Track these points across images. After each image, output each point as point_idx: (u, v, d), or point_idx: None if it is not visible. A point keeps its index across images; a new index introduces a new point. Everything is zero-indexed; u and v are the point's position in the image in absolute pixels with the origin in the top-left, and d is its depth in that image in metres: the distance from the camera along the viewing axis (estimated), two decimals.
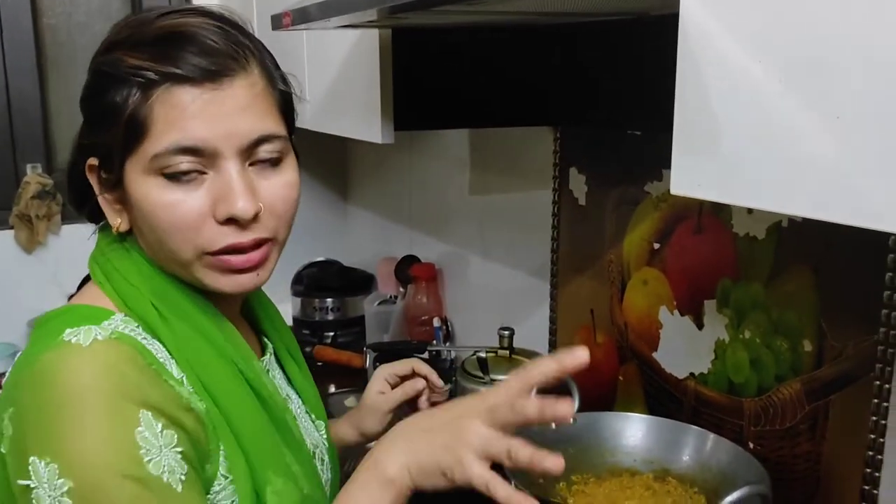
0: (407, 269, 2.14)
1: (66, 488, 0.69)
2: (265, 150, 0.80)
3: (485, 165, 1.91)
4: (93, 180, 0.83)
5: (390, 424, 1.14)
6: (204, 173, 0.77)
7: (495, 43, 1.42)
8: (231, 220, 0.78)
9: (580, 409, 1.29)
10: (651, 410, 1.42)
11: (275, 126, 0.81)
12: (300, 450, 0.91)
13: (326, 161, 2.61)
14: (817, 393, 1.13)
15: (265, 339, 0.99)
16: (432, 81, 1.41)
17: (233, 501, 0.80)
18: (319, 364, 2.15)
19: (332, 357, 2.14)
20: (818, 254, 1.11)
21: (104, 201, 0.83)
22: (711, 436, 1.18)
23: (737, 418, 1.25)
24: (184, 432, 0.75)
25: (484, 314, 1.93)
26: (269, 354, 0.97)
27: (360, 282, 2.39)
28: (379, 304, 2.16)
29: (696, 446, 1.19)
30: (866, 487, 1.06)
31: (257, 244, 0.80)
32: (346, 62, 1.45)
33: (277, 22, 1.23)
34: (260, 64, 0.81)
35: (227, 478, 0.80)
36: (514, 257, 1.82)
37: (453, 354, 1.78)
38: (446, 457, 0.78)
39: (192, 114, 0.75)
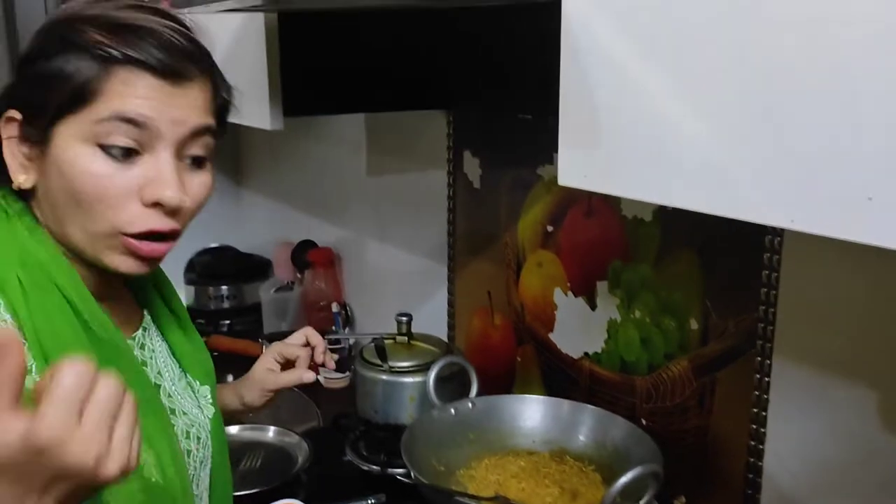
0: (304, 254, 2.10)
1: None
2: (198, 146, 0.83)
3: (381, 148, 1.89)
4: (7, 131, 0.81)
5: (271, 402, 1.20)
6: (138, 154, 0.78)
7: (386, 26, 1.40)
8: (155, 206, 0.79)
9: (479, 393, 1.31)
10: (548, 391, 1.44)
11: (213, 124, 0.84)
12: (162, 435, 0.87)
13: (217, 145, 2.54)
14: (704, 369, 1.17)
15: (144, 311, 0.97)
16: (322, 66, 1.38)
17: None
18: (215, 354, 2.08)
19: (228, 346, 2.09)
20: (701, 236, 1.14)
21: (14, 155, 0.81)
22: (606, 414, 1.21)
23: (630, 396, 1.29)
24: None
25: (383, 298, 1.93)
26: (143, 329, 0.95)
27: (256, 268, 2.34)
28: (276, 290, 2.12)
29: (591, 425, 1.22)
30: (751, 459, 1.11)
31: (175, 234, 0.82)
32: (232, 47, 1.40)
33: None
34: (211, 71, 0.85)
35: None
36: (411, 241, 1.81)
37: (352, 341, 1.76)
38: None
39: (143, 95, 0.77)
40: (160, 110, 0.78)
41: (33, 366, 0.76)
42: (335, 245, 2.11)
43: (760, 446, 1.10)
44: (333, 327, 1.96)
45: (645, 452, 1.10)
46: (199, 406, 1.00)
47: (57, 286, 0.80)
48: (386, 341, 1.45)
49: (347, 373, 1.76)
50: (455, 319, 1.69)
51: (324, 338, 1.65)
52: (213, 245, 2.41)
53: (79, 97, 0.77)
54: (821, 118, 0.53)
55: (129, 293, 0.95)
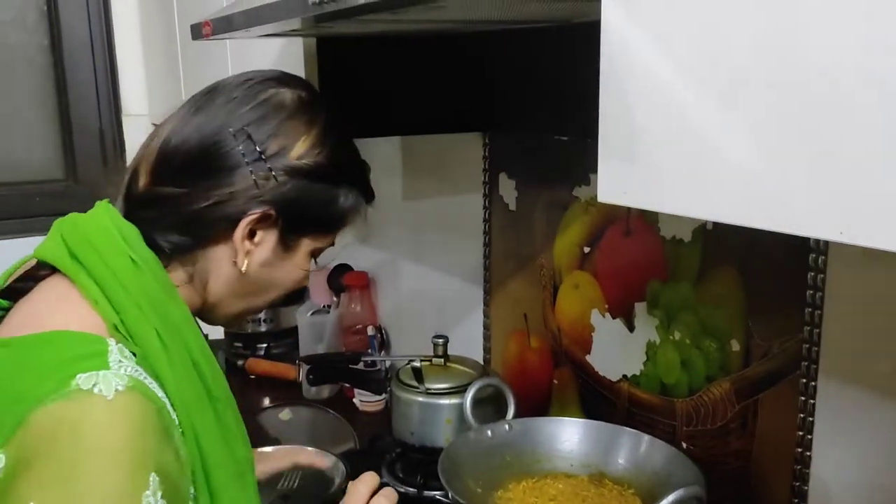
0: (339, 277, 2.11)
1: None
2: None
3: (416, 172, 1.90)
4: (253, 223, 0.86)
5: None
6: None
7: (423, 50, 1.42)
8: None
9: (516, 415, 1.30)
10: (586, 413, 1.43)
11: None
12: (253, 487, 0.90)
13: None
14: (746, 391, 1.15)
15: None
16: (359, 90, 1.39)
17: None
18: (252, 377, 2.11)
19: (265, 370, 2.10)
20: (743, 255, 1.13)
21: (244, 241, 0.87)
22: (646, 437, 1.19)
23: (670, 419, 1.27)
24: (177, 495, 0.75)
25: (418, 321, 1.92)
26: None
27: (293, 292, 2.35)
28: (312, 314, 2.12)
29: (630, 448, 1.20)
30: (797, 484, 1.09)
31: None
32: None
33: (197, 32, 1.20)
34: None
35: None
36: (446, 263, 1.81)
37: (388, 364, 1.76)
38: None
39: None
40: None
41: (176, 419, 0.78)
42: (371, 269, 2.12)
43: (806, 470, 1.07)
44: (369, 350, 1.95)
45: (686, 476, 1.08)
46: None
47: (189, 352, 0.82)
48: (422, 363, 1.45)
49: (384, 395, 1.76)
50: (491, 342, 1.69)
51: (361, 360, 1.66)
52: None
53: (338, 224, 0.93)
54: (871, 124, 0.52)
55: None
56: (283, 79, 0.90)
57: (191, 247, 0.85)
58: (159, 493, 0.71)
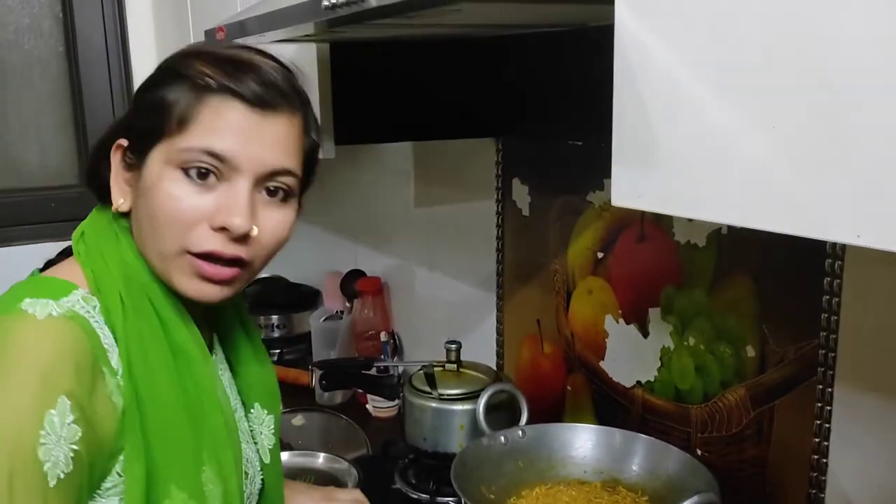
0: (353, 283, 2.11)
1: None
2: (278, 182, 0.85)
3: (429, 177, 1.90)
4: (115, 159, 0.87)
5: None
6: (217, 180, 0.82)
7: (435, 55, 1.42)
8: (222, 231, 0.82)
9: (529, 422, 1.29)
10: (599, 420, 1.42)
11: (295, 165, 0.86)
12: (234, 471, 0.89)
13: (302, 187, 2.57)
14: (762, 398, 1.14)
15: (214, 335, 0.99)
16: (372, 95, 1.39)
17: (120, 499, 0.80)
18: None
19: (278, 375, 2.10)
20: (758, 260, 1.12)
21: (116, 180, 0.87)
22: (660, 444, 1.19)
23: (684, 425, 1.26)
24: (91, 432, 0.76)
25: (431, 327, 1.92)
26: (216, 354, 0.97)
27: (306, 297, 2.35)
28: (325, 319, 2.13)
29: (644, 455, 1.20)
30: (813, 491, 1.07)
31: (234, 261, 0.84)
32: None
33: (211, 37, 1.20)
34: (303, 110, 0.88)
35: (120, 476, 0.80)
36: (459, 269, 1.81)
37: (401, 369, 1.76)
38: None
39: (232, 127, 0.81)
40: (244, 143, 0.82)
41: (119, 369, 0.80)
42: (384, 274, 2.12)
43: (822, 477, 1.06)
44: (382, 356, 1.95)
45: (701, 483, 1.07)
46: (251, 439, 1.00)
47: (154, 307, 0.85)
48: (435, 369, 1.44)
49: (396, 401, 1.76)
50: (504, 348, 1.68)
51: (373, 365, 1.66)
52: (264, 275, 2.43)
53: (173, 124, 0.82)
54: (889, 127, 0.52)
55: (204, 322, 0.96)
56: None
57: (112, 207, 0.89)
58: (68, 418, 0.73)
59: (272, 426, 1.01)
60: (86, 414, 0.75)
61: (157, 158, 0.83)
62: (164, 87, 0.84)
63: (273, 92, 0.83)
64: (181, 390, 0.84)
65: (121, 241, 0.87)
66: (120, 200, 0.86)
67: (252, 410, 1.01)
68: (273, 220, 0.86)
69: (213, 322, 0.99)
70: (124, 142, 0.86)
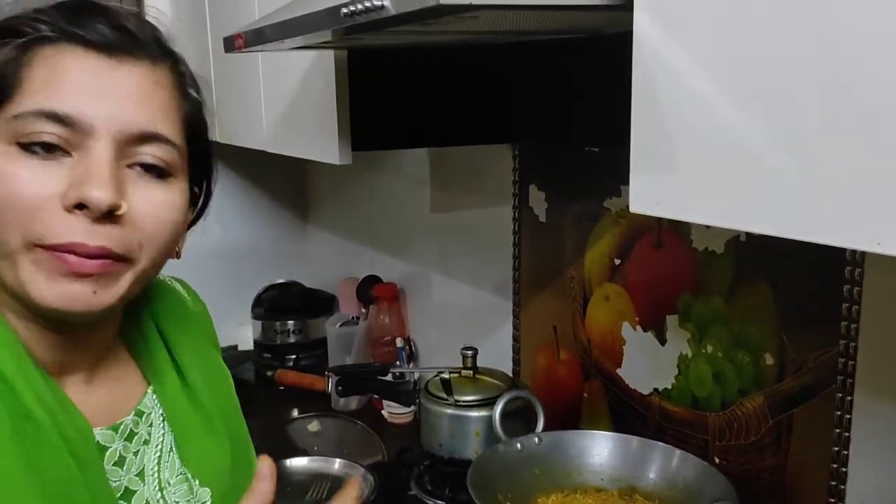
0: (369, 289, 2.12)
1: None
2: (149, 153, 0.66)
3: (445, 184, 1.90)
4: None
5: None
6: (67, 154, 0.64)
7: (452, 61, 1.42)
8: (80, 209, 0.62)
9: (545, 428, 1.29)
10: (616, 427, 1.41)
11: (170, 132, 0.68)
12: None
13: (285, 182, 2.58)
14: (780, 406, 1.13)
15: (149, 388, 0.79)
16: (389, 101, 1.40)
17: None
18: (281, 388, 2.12)
19: (294, 381, 2.11)
20: (777, 267, 1.11)
21: None
22: (677, 452, 1.18)
23: (701, 433, 1.25)
24: None
25: (447, 333, 1.92)
26: (135, 413, 0.76)
27: (322, 303, 2.36)
28: (341, 325, 2.13)
29: (661, 463, 1.19)
30: (832, 500, 1.06)
31: (102, 253, 0.63)
32: (302, 83, 1.43)
33: (230, 44, 1.21)
34: (172, 64, 0.71)
35: None
36: (476, 275, 1.81)
37: (416, 375, 1.76)
38: None
39: (75, 81, 0.64)
40: (94, 99, 0.64)
41: None
42: (400, 280, 2.12)
43: (842, 486, 1.05)
44: (397, 362, 1.95)
45: (718, 491, 1.06)
46: None
47: None
48: (451, 375, 1.44)
49: (412, 407, 1.76)
50: (520, 355, 1.68)
51: (389, 371, 1.66)
52: (280, 281, 2.45)
53: None
54: None
55: (133, 363, 0.79)
56: None
57: None
58: None
59: (207, 501, 0.78)
60: None
61: None
62: None
63: (127, 36, 0.66)
64: (25, 477, 0.62)
65: None
66: None
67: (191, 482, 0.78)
68: (150, 199, 0.66)
69: (147, 366, 0.79)
70: None
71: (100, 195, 0.62)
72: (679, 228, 1.25)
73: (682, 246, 1.25)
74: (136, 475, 0.74)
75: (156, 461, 0.76)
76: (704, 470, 1.13)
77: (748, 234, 1.14)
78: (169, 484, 0.76)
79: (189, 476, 0.77)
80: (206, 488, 0.77)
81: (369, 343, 2.04)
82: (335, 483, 1.47)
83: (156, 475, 0.76)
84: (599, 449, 1.24)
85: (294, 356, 2.23)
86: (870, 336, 1.00)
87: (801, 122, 0.57)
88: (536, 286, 1.60)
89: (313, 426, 1.82)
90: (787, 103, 0.58)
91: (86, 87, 0.64)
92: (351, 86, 1.32)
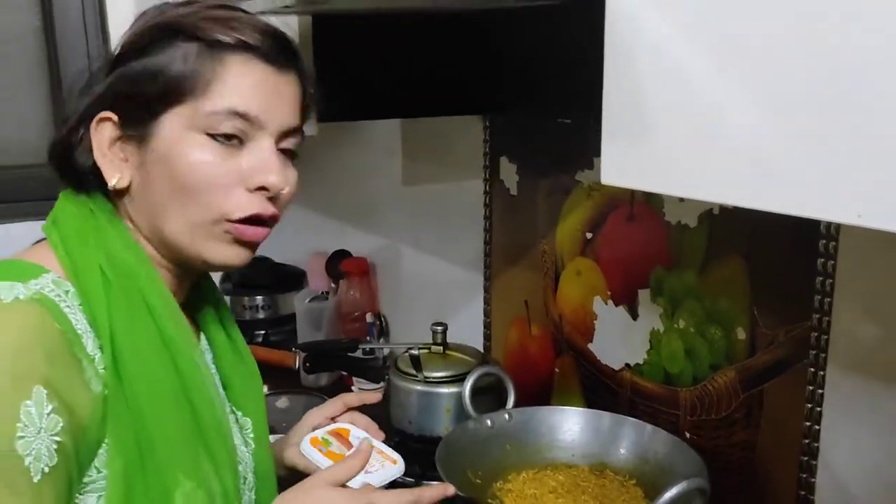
0: (338, 264, 2.08)
1: None
2: (292, 142, 0.86)
3: (416, 155, 1.87)
4: (99, 135, 0.81)
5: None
6: (242, 143, 0.81)
7: (420, 31, 1.38)
8: (259, 191, 0.82)
9: (516, 405, 1.27)
10: (588, 403, 1.40)
11: (300, 124, 0.87)
12: (226, 456, 0.86)
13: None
14: (752, 381, 1.12)
15: (201, 333, 0.95)
16: (357, 71, 1.36)
17: (99, 496, 0.76)
18: None
19: (263, 357, 2.07)
20: (750, 241, 1.10)
21: (105, 156, 0.81)
22: (648, 427, 1.17)
23: (673, 408, 1.24)
24: (73, 421, 0.72)
25: (418, 308, 1.90)
26: (201, 342, 0.94)
27: (291, 278, 2.32)
28: (310, 300, 2.10)
29: (633, 438, 1.18)
30: (803, 475, 1.06)
31: (274, 219, 0.84)
32: None
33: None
34: (305, 69, 0.87)
35: (99, 472, 0.75)
36: (447, 249, 1.79)
37: (386, 352, 1.74)
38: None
39: (257, 87, 0.80)
40: (268, 101, 0.81)
41: (96, 356, 0.76)
42: (370, 254, 2.09)
43: (813, 462, 1.05)
44: (368, 337, 1.93)
45: (690, 467, 1.05)
46: (243, 440, 0.96)
47: (141, 292, 0.81)
48: (421, 351, 1.42)
49: (381, 384, 1.73)
50: (491, 330, 1.66)
51: (358, 347, 1.64)
52: None
53: (188, 87, 0.79)
54: (889, 106, 0.49)
55: (187, 314, 0.92)
56: None
57: (102, 186, 0.83)
58: (46, 408, 0.69)
59: (250, 430, 0.96)
60: (65, 402, 0.71)
61: (173, 125, 0.79)
62: (166, 50, 0.80)
63: (282, 45, 0.83)
64: (175, 379, 0.81)
65: (104, 227, 0.82)
66: (116, 177, 0.81)
67: (236, 413, 0.97)
68: (291, 177, 0.85)
69: (198, 318, 0.95)
70: (110, 114, 0.80)
71: (275, 180, 0.82)
72: (652, 201, 1.23)
73: (655, 219, 1.23)
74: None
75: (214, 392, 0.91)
76: (675, 445, 1.12)
77: (722, 208, 1.13)
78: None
79: (233, 409, 0.95)
80: (248, 419, 0.96)
81: (340, 318, 2.02)
82: None
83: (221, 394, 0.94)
84: (570, 425, 1.23)
85: (263, 332, 2.20)
86: (843, 310, 0.99)
87: (780, 93, 0.55)
88: (508, 260, 1.58)
89: (282, 403, 1.79)
90: (766, 72, 0.56)
91: (264, 92, 0.81)
92: (315, 54, 1.28)
